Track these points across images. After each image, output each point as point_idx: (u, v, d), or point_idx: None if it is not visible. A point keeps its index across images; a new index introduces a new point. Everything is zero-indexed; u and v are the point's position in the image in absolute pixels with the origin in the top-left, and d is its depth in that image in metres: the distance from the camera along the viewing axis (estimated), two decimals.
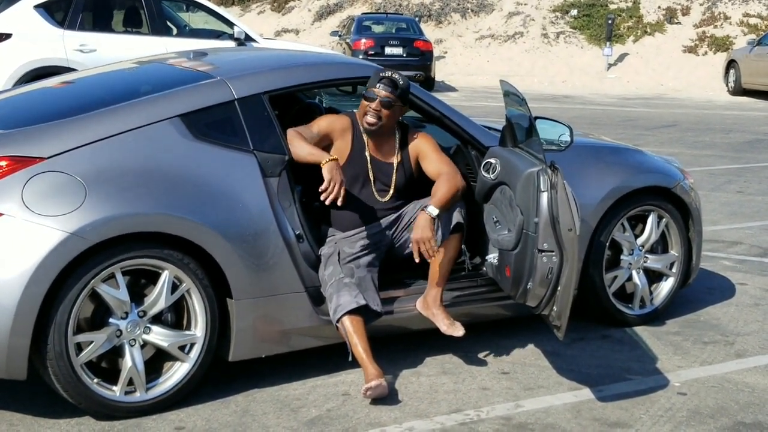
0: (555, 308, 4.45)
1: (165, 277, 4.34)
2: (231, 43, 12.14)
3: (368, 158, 4.94)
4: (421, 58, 22.58)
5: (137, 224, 4.23)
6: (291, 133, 4.77)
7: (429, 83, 23.04)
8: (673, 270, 5.83)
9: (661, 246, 5.84)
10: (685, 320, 5.90)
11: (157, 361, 4.48)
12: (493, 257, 4.93)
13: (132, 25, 12.38)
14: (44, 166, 4.17)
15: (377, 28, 24.24)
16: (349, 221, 4.95)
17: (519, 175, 4.58)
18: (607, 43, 27.76)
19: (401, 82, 4.92)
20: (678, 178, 5.79)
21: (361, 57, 22.34)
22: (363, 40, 22.78)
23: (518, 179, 4.58)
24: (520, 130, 4.89)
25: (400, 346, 5.24)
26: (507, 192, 4.72)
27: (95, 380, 4.26)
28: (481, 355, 5.20)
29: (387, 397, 4.58)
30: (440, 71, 26.86)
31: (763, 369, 5.12)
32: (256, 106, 4.71)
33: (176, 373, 4.45)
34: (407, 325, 5.07)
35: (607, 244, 5.53)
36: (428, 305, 4.91)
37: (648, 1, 30.60)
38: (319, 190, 4.55)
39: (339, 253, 4.81)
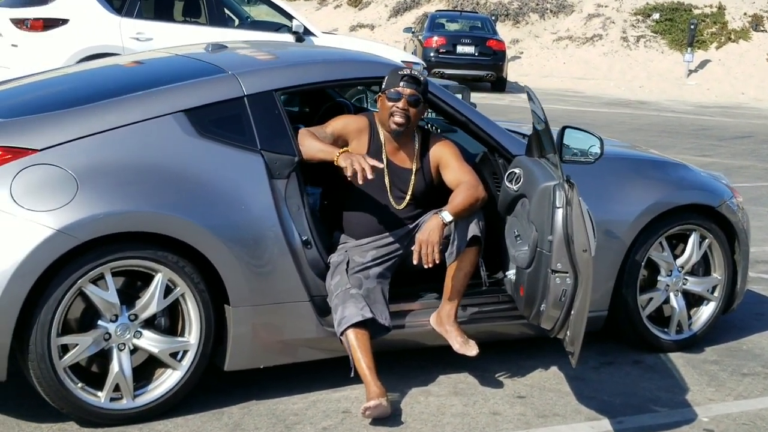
0: (568, 333, 4.14)
1: (158, 280, 4.13)
2: (289, 37, 11.96)
3: (385, 162, 4.67)
4: (493, 58, 22.23)
5: (130, 223, 4.02)
6: (302, 132, 4.53)
7: (500, 84, 22.69)
8: (715, 294, 5.45)
9: (702, 268, 5.47)
10: (726, 348, 5.52)
11: (149, 366, 4.28)
12: (512, 273, 4.63)
13: (191, 14, 12.27)
14: (36, 159, 3.98)
15: (450, 26, 23.94)
16: (362, 228, 4.69)
17: (536, 188, 4.28)
18: (689, 48, 27.06)
19: (422, 78, 4.66)
20: (724, 196, 5.41)
21: (432, 55, 22.13)
22: (435, 38, 22.50)
23: (535, 192, 4.29)
24: (547, 140, 4.58)
25: (414, 362, 4.97)
26: (527, 205, 4.42)
27: (79, 384, 4.06)
28: (498, 376, 4.90)
29: (389, 417, 4.31)
30: (514, 72, 26.46)
31: None
32: (266, 103, 4.47)
33: (167, 381, 4.23)
34: (421, 341, 4.79)
35: (643, 263, 5.19)
36: (441, 321, 4.63)
37: (733, 6, 29.75)
38: (348, 176, 4.28)
39: (348, 262, 4.56)
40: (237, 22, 12.92)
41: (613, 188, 5.06)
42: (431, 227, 4.39)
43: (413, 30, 24.99)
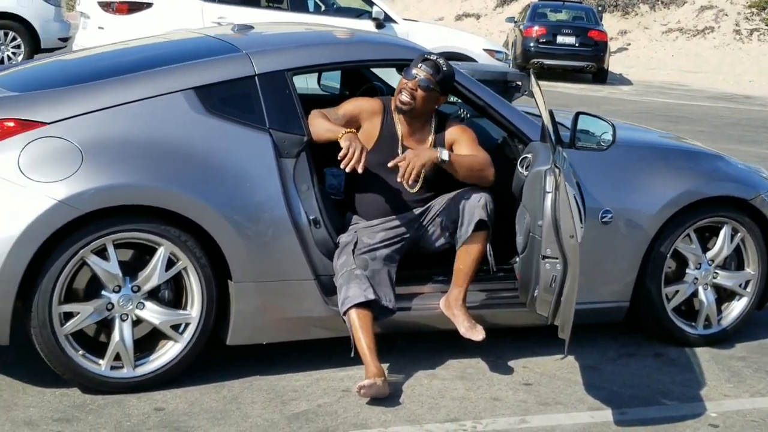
0: (559, 320, 4.09)
1: (160, 253, 4.22)
2: (370, 24, 12.01)
3: (399, 145, 4.67)
4: (594, 49, 21.89)
5: (132, 196, 4.12)
6: (314, 113, 4.57)
7: (601, 75, 22.34)
8: (748, 290, 5.30)
9: (735, 262, 5.31)
10: (758, 345, 5.36)
11: (153, 338, 4.38)
12: (518, 259, 4.59)
13: (274, 0, 12.44)
14: (44, 131, 4.11)
15: (553, 16, 23.63)
16: (373, 210, 4.71)
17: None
18: None
19: (444, 68, 4.64)
20: (759, 190, 5.23)
21: (531, 45, 21.94)
22: (535, 28, 22.28)
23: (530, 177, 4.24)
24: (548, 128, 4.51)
25: (425, 344, 4.96)
26: None
27: (80, 352, 4.18)
28: (510, 363, 4.86)
29: (387, 398, 4.33)
30: (620, 63, 26.01)
31: None
32: (277, 83, 4.51)
33: (168, 353, 4.32)
34: (431, 324, 4.78)
35: (669, 255, 5.07)
36: (450, 305, 4.62)
37: None
38: (338, 158, 4.33)
39: (356, 243, 4.58)
40: (323, 8, 13.05)
41: (635, 177, 4.95)
42: (423, 152, 4.45)
43: (516, 20, 24.76)
